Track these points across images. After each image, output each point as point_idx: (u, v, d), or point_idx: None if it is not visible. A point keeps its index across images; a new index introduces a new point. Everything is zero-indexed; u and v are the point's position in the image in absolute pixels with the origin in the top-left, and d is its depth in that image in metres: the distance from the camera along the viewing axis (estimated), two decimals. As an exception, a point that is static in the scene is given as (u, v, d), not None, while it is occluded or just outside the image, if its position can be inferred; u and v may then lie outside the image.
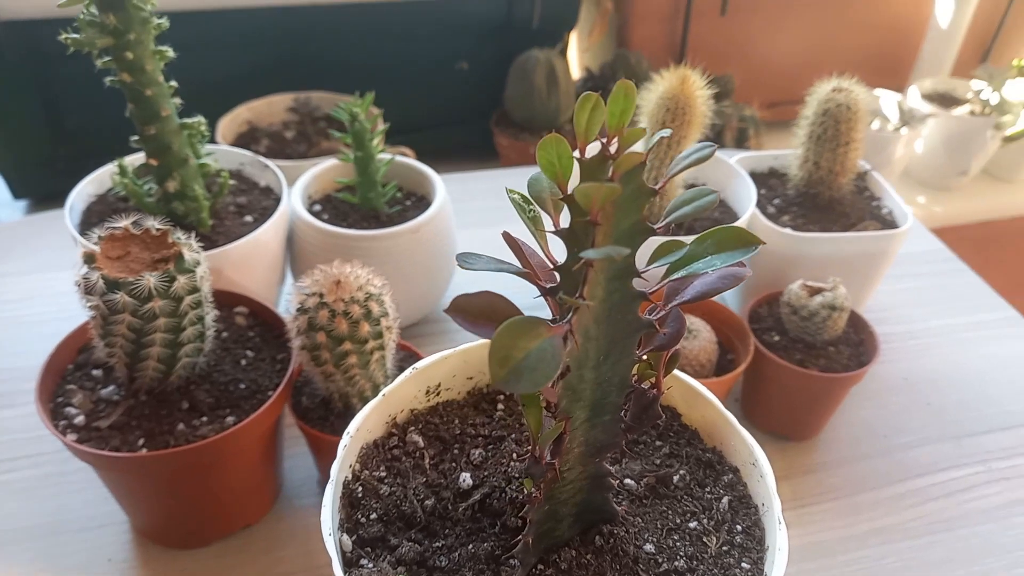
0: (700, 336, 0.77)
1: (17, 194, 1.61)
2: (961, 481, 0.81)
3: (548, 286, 0.38)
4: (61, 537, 0.70)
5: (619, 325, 0.38)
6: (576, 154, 0.34)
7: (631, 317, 0.38)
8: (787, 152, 0.98)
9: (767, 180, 0.99)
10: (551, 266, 0.38)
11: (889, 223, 0.91)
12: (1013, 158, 1.96)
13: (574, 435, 0.41)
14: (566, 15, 1.70)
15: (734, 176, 0.92)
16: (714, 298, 0.98)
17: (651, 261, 0.36)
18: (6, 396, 0.84)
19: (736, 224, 0.82)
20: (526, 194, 0.38)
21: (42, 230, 1.09)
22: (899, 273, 1.09)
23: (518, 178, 1.30)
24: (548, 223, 0.38)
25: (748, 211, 0.85)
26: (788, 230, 0.86)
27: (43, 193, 1.62)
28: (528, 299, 0.40)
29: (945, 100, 1.89)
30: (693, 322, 0.78)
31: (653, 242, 0.37)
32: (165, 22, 0.69)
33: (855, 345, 0.81)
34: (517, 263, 0.39)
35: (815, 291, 0.79)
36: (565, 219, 0.36)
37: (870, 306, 1.02)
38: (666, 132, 0.34)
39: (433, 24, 1.55)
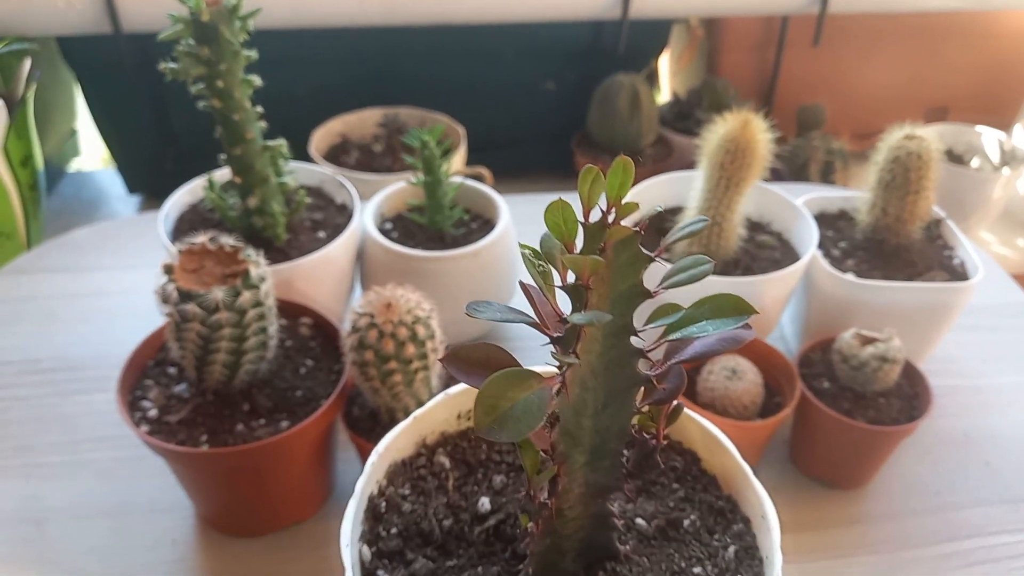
0: (745, 378, 0.78)
1: (131, 189, 1.74)
2: (1011, 547, 0.78)
3: (555, 335, 0.41)
4: (132, 516, 0.77)
5: (617, 378, 0.40)
6: (581, 218, 0.37)
7: (629, 372, 0.40)
8: (859, 194, 0.97)
9: (836, 222, 0.98)
10: (559, 317, 0.41)
11: (959, 274, 0.89)
12: None
13: (574, 476, 0.43)
14: (653, 42, 1.71)
15: (799, 217, 0.92)
16: (768, 337, 0.98)
17: (648, 322, 0.39)
18: (100, 381, 0.92)
19: (797, 265, 0.83)
20: (538, 249, 0.41)
21: (146, 230, 1.18)
22: (974, 324, 1.05)
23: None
24: (558, 278, 0.41)
25: (808, 254, 0.85)
26: (849, 276, 0.85)
27: (153, 189, 1.75)
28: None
29: (1055, 140, 1.80)
30: (740, 363, 0.79)
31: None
32: (254, 54, 0.75)
33: (908, 398, 0.80)
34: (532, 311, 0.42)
35: (868, 340, 0.78)
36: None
37: (937, 356, 0.99)
38: (659, 207, 0.36)
39: (521, 46, 1.60)
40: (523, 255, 0.41)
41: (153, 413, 0.69)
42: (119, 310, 1.03)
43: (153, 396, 0.70)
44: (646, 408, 0.43)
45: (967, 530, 0.80)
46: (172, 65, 0.72)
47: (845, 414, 0.77)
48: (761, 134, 0.79)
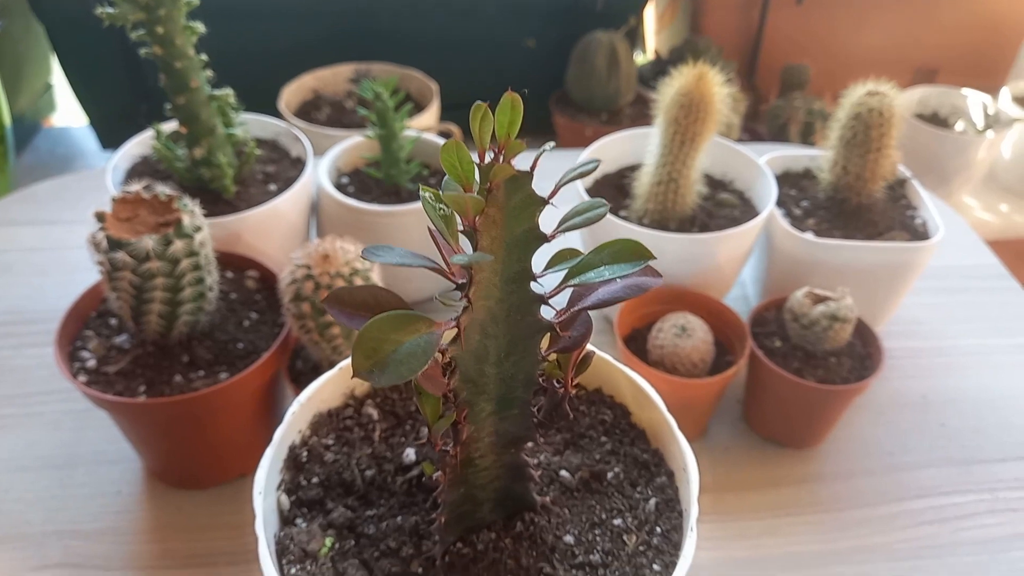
0: (695, 335, 0.77)
1: (104, 144, 1.72)
2: (961, 508, 0.78)
3: (460, 281, 0.40)
4: (79, 468, 0.76)
5: (519, 325, 0.39)
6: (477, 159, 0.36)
7: (531, 319, 0.39)
8: (824, 153, 0.95)
9: (800, 180, 0.97)
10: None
11: (920, 235, 0.88)
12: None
13: (482, 425, 0.43)
14: (631, -1, 1.68)
15: (761, 175, 0.90)
16: (730, 296, 0.97)
17: (547, 268, 0.38)
18: (51, 334, 0.91)
19: (752, 223, 0.82)
20: (441, 193, 0.39)
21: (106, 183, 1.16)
22: (942, 287, 1.04)
23: (566, 160, 1.31)
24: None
25: (765, 212, 0.84)
26: (808, 235, 0.84)
27: (128, 145, 1.73)
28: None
29: (1042, 104, 1.77)
30: (690, 321, 0.78)
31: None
32: (196, 0, 0.73)
33: (860, 358, 0.79)
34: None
35: (820, 299, 0.77)
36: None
37: (902, 318, 0.98)
38: (549, 146, 0.35)
39: (502, 2, 1.56)
40: (423, 199, 0.40)
41: (92, 364, 0.68)
42: (77, 264, 1.02)
43: (93, 347, 0.69)
44: (552, 356, 0.42)
45: (917, 490, 0.80)
46: (109, 10, 0.70)
47: (794, 373, 0.77)
48: (717, 88, 0.77)
